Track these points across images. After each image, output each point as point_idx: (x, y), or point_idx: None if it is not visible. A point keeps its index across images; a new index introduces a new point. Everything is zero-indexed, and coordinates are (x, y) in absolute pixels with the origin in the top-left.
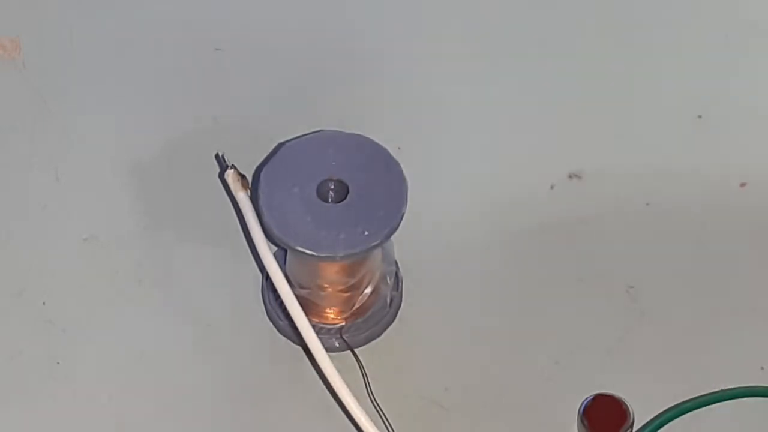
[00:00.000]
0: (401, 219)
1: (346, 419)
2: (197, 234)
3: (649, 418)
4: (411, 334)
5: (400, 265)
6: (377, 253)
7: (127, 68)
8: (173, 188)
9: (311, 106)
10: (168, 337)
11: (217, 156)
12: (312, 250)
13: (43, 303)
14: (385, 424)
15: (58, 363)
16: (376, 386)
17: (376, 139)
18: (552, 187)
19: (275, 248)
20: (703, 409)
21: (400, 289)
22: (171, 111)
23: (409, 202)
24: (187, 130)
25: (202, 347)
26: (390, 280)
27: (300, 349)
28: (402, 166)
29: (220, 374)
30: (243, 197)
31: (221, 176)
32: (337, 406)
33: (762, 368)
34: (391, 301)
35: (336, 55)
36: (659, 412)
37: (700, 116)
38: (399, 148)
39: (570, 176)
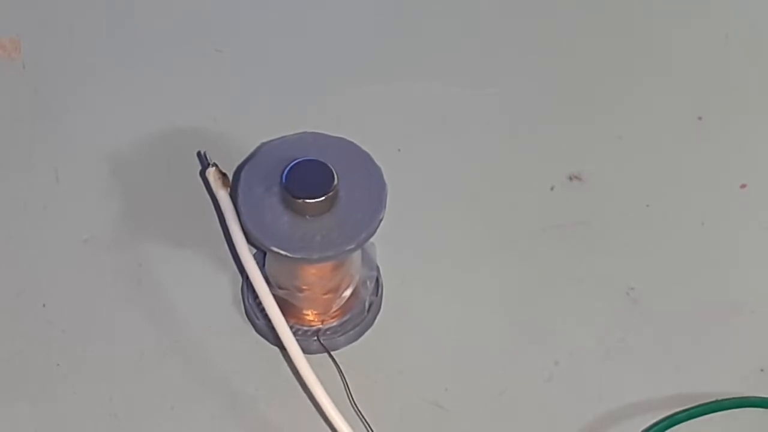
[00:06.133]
0: (379, 224)
1: (322, 419)
2: (195, 234)
3: (649, 420)
4: (391, 338)
5: (396, 268)
6: (356, 257)
7: (127, 69)
8: (173, 189)
9: (311, 106)
10: (164, 338)
11: (199, 153)
12: (287, 252)
13: (43, 305)
14: (364, 424)
15: (58, 365)
16: (356, 389)
17: (375, 140)
18: (552, 189)
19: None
20: (700, 418)
21: (380, 294)
22: (171, 111)
23: (406, 203)
24: (187, 131)
25: (181, 346)
26: (370, 285)
27: (277, 349)
28: (401, 167)
29: (199, 374)
30: (223, 195)
31: (202, 174)
32: (313, 406)
33: (762, 370)
34: (370, 305)
35: (336, 55)
36: (659, 413)
37: (700, 118)
38: (399, 150)
39: (570, 177)
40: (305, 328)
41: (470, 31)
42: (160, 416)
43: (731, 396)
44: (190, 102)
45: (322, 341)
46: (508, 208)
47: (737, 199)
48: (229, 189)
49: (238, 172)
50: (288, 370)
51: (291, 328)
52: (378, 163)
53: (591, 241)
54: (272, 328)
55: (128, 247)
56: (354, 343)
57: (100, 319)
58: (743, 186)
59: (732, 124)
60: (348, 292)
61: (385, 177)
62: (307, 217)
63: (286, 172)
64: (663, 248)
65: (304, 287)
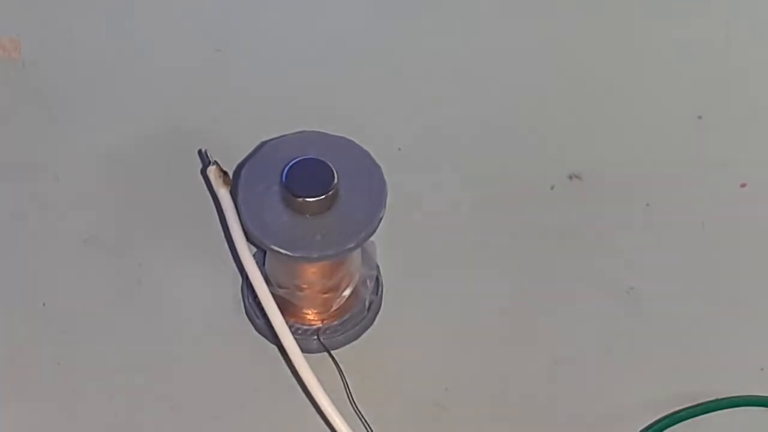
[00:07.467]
0: (379, 223)
1: (321, 420)
2: (195, 233)
3: (649, 419)
4: (391, 337)
5: (396, 268)
6: (356, 256)
7: (127, 68)
8: (173, 188)
9: (311, 106)
10: (165, 337)
11: (200, 152)
12: (287, 250)
13: (43, 304)
14: (363, 424)
15: (58, 364)
16: (356, 388)
17: (376, 140)
18: (552, 188)
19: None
20: (700, 417)
21: (380, 294)
22: (171, 111)
23: (406, 203)
24: (187, 131)
25: (182, 346)
26: (370, 284)
27: (276, 348)
28: (401, 166)
29: (199, 374)
30: (224, 194)
31: (203, 173)
32: (312, 406)
33: (762, 369)
34: (370, 304)
35: (336, 55)
36: (659, 412)
37: (700, 117)
38: (399, 149)
39: (570, 177)
40: (305, 327)
41: (470, 31)
42: (160, 416)
43: (731, 395)
44: (190, 102)
45: (322, 340)
46: (508, 208)
47: (737, 199)
48: (229, 187)
49: (238, 171)
50: (288, 369)
51: (291, 327)
52: (378, 162)
53: (591, 240)
54: (272, 328)
55: (128, 247)
56: (354, 342)
57: (100, 319)
58: (743, 185)
59: (732, 124)
60: (348, 291)
61: (385, 176)
62: (308, 215)
63: (286, 170)
64: (663, 248)
65: (304, 286)
